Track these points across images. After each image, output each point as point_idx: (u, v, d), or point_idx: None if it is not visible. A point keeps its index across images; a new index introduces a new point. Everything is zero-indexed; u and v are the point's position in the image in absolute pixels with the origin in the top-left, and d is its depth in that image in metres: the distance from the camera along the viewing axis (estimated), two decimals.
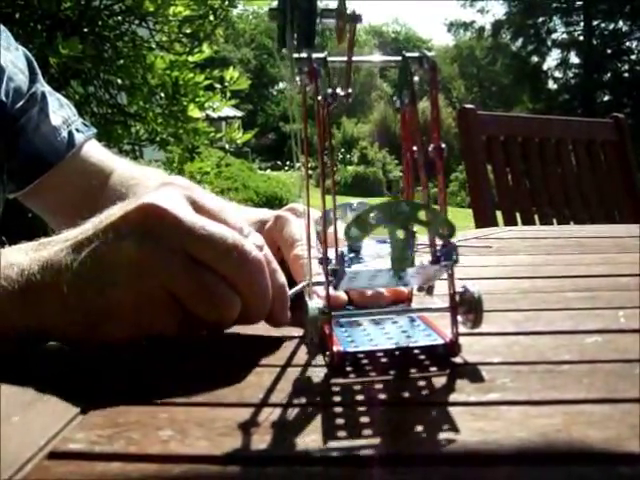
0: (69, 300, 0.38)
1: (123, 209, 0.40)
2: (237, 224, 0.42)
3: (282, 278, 0.43)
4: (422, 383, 0.35)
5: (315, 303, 0.37)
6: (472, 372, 0.36)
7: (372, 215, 0.34)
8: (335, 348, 0.37)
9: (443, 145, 0.37)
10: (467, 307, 0.38)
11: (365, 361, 0.38)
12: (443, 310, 0.38)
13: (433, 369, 0.37)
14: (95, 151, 0.78)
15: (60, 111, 0.77)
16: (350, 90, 0.38)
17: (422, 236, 0.38)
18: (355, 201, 0.48)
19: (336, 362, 0.36)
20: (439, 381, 0.35)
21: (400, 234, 0.34)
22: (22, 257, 0.41)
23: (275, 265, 0.42)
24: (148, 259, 0.38)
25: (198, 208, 0.41)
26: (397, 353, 0.38)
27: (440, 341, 0.38)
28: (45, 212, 0.78)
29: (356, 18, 0.36)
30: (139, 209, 0.39)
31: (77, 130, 0.77)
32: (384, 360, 0.38)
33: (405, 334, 0.41)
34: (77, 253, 0.39)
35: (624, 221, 1.86)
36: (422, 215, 0.34)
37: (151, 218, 0.38)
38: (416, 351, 0.39)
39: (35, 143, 0.73)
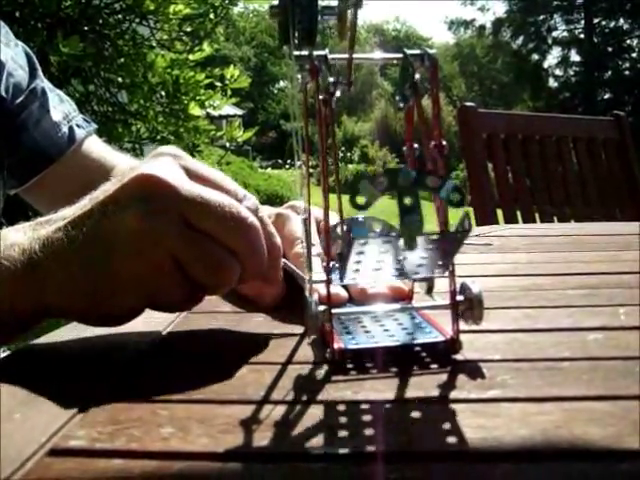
0: (74, 275, 0.39)
1: (120, 181, 0.40)
2: (231, 189, 0.43)
3: (278, 241, 0.44)
4: (422, 380, 0.35)
5: (315, 300, 0.37)
6: (473, 369, 0.36)
7: (378, 181, 0.33)
8: (336, 345, 0.37)
9: (444, 143, 0.37)
10: (468, 304, 0.38)
11: (366, 358, 0.38)
12: (443, 307, 0.38)
13: (434, 366, 0.37)
14: (96, 147, 0.78)
15: (60, 106, 0.77)
16: (352, 78, 0.38)
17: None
18: (361, 216, 0.43)
19: (337, 359, 0.37)
20: (440, 378, 0.35)
21: (407, 200, 0.32)
22: (21, 237, 0.41)
23: (270, 228, 0.44)
24: (150, 228, 0.38)
25: (192, 175, 0.42)
26: (398, 350, 0.38)
27: (441, 338, 0.38)
28: (45, 207, 0.78)
29: (357, 3, 0.36)
30: (136, 179, 0.39)
31: (78, 126, 0.77)
32: (385, 357, 0.38)
33: (406, 331, 0.41)
34: (77, 229, 0.39)
35: (625, 219, 1.85)
36: (429, 181, 0.34)
37: (149, 188, 0.39)
38: (417, 348, 0.39)
39: (36, 138, 0.73)
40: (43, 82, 0.76)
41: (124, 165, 0.75)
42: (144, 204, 0.38)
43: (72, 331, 0.45)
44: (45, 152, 0.74)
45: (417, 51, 0.38)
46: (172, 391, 0.34)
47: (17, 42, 0.75)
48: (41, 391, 0.34)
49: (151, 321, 0.45)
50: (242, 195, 0.43)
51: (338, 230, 0.41)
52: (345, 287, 0.48)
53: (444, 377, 0.35)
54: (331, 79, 0.37)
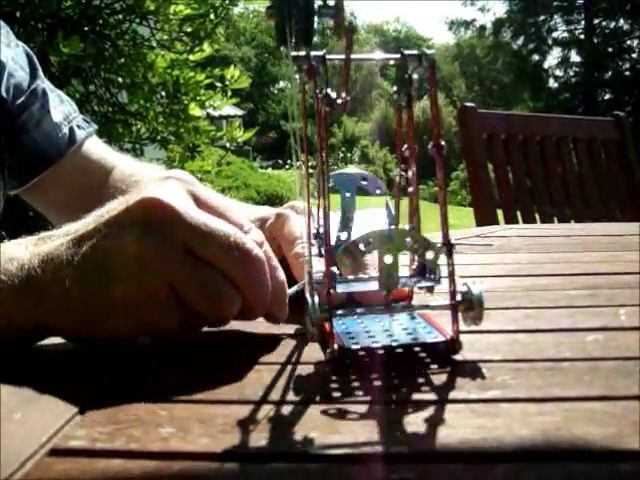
0: (71, 295, 0.38)
1: (125, 203, 0.39)
2: (238, 220, 0.42)
3: (282, 275, 0.43)
4: (423, 380, 0.35)
5: (316, 300, 0.37)
6: (473, 369, 0.36)
7: (362, 244, 0.36)
8: (336, 345, 0.37)
9: (443, 142, 0.37)
10: (468, 304, 0.38)
11: (366, 358, 0.38)
12: (444, 308, 0.38)
13: (434, 366, 0.37)
14: (96, 147, 0.78)
15: (61, 107, 0.77)
16: (348, 97, 0.38)
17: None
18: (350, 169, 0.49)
19: (337, 359, 0.37)
20: (440, 378, 0.35)
21: (388, 259, 0.36)
22: (22, 251, 0.40)
23: (275, 262, 0.42)
24: (150, 254, 0.37)
25: (200, 203, 0.41)
26: (398, 350, 0.38)
27: (441, 338, 0.38)
28: (46, 208, 0.78)
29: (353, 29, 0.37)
30: (141, 203, 0.38)
31: (78, 126, 0.76)
32: (384, 357, 0.38)
33: (406, 331, 0.41)
34: (78, 247, 0.38)
35: (625, 219, 1.85)
36: (408, 240, 0.37)
37: (153, 212, 0.38)
38: (417, 348, 0.39)
39: (36, 139, 0.73)
40: (44, 83, 0.76)
41: (124, 166, 0.75)
42: (146, 228, 0.38)
43: None
44: (45, 153, 0.73)
45: (415, 51, 0.38)
46: (172, 391, 0.34)
47: (18, 42, 0.75)
48: (41, 391, 0.34)
49: None
50: (248, 228, 0.42)
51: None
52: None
53: (444, 377, 0.35)
54: (332, 93, 0.37)
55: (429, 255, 0.37)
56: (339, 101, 0.38)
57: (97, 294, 0.38)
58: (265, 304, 0.41)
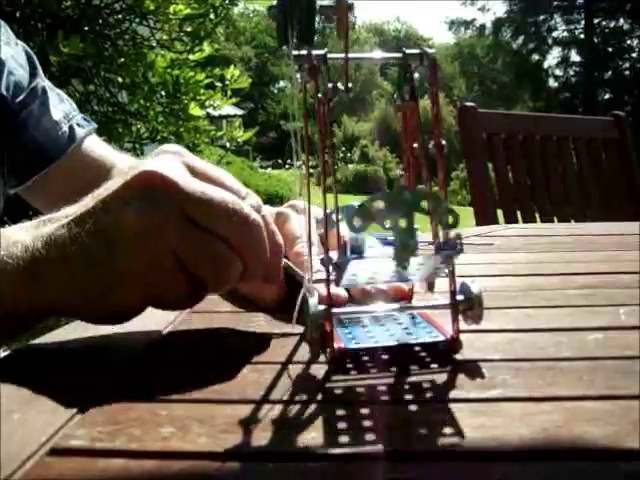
0: (77, 272, 0.39)
1: (122, 179, 0.40)
2: (234, 186, 0.43)
3: (279, 239, 0.44)
4: (423, 380, 0.35)
5: (316, 300, 0.37)
6: (473, 369, 0.36)
7: (375, 204, 0.33)
8: (336, 345, 0.37)
9: (444, 142, 0.37)
10: (468, 304, 0.38)
11: (366, 358, 0.38)
12: (444, 307, 0.38)
13: (434, 366, 0.37)
14: (96, 146, 0.78)
15: (61, 106, 0.77)
16: (350, 85, 0.38)
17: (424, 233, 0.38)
18: (357, 202, 0.47)
19: (337, 359, 0.37)
20: (440, 378, 0.35)
21: (403, 223, 0.33)
22: (24, 235, 0.41)
23: (272, 226, 0.44)
24: (152, 224, 0.38)
25: (195, 173, 0.42)
26: (398, 350, 0.38)
27: (441, 337, 0.38)
28: (46, 207, 0.78)
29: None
30: (139, 177, 0.39)
31: (78, 125, 0.76)
32: (385, 357, 0.38)
33: (406, 331, 0.41)
34: (80, 226, 0.39)
35: (624, 219, 1.85)
36: (425, 204, 0.34)
37: (151, 185, 0.39)
38: (417, 348, 0.39)
39: (36, 137, 0.72)
40: (44, 81, 0.76)
41: (124, 164, 0.75)
42: (146, 201, 0.38)
43: (73, 331, 0.45)
44: (45, 151, 0.73)
45: (416, 50, 0.38)
46: (172, 391, 0.34)
47: (17, 41, 0.75)
48: (41, 391, 0.34)
49: (151, 321, 0.45)
50: (244, 193, 0.43)
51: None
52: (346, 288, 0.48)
53: (444, 377, 0.35)
54: (330, 85, 0.37)
55: (450, 220, 0.35)
56: (340, 86, 0.38)
57: (103, 269, 0.39)
58: (263, 266, 0.42)
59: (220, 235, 0.39)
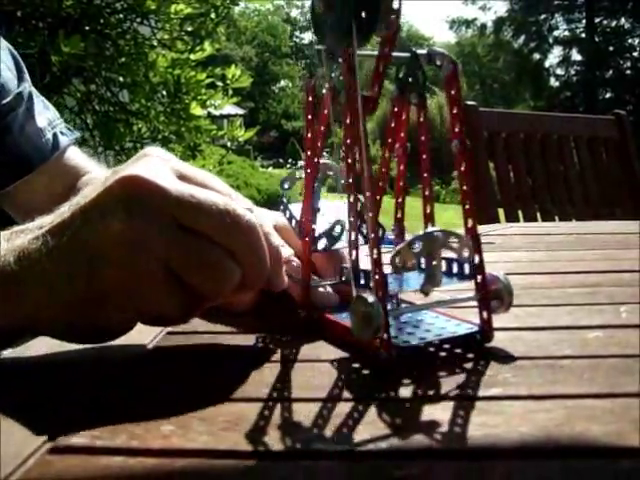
0: (57, 289, 0.36)
1: (102, 186, 0.37)
2: (223, 190, 0.40)
3: (277, 240, 0.41)
4: (423, 379, 0.35)
5: (372, 297, 0.35)
6: (474, 367, 0.36)
7: (414, 247, 0.37)
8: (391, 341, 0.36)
9: (468, 142, 0.37)
10: (497, 294, 0.40)
11: (417, 356, 0.38)
12: (474, 299, 0.39)
13: (469, 356, 0.37)
14: (76, 155, 0.75)
15: (45, 113, 0.74)
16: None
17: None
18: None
19: (390, 358, 0.36)
20: (440, 377, 0.35)
21: (435, 261, 0.37)
22: None
23: (268, 228, 0.41)
24: (138, 232, 0.35)
25: (182, 177, 0.39)
26: (442, 345, 0.39)
27: (475, 328, 0.39)
28: (22, 216, 0.73)
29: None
30: (120, 182, 0.36)
31: (62, 133, 0.74)
32: (428, 354, 0.38)
33: (435, 326, 0.41)
34: (56, 238, 0.36)
35: (625, 217, 1.85)
36: (452, 241, 0.38)
37: (135, 189, 0.36)
38: (455, 341, 0.39)
39: (20, 142, 0.70)
40: (31, 87, 0.73)
41: (100, 172, 0.72)
42: (130, 207, 0.35)
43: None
44: (29, 157, 0.71)
45: (440, 50, 0.38)
46: (173, 389, 0.34)
47: (6, 44, 0.72)
48: (41, 390, 0.34)
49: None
50: (234, 196, 0.41)
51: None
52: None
53: (444, 376, 0.35)
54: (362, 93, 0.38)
55: (465, 253, 0.39)
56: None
57: (86, 283, 0.36)
58: (265, 272, 0.39)
59: (213, 238, 0.36)
